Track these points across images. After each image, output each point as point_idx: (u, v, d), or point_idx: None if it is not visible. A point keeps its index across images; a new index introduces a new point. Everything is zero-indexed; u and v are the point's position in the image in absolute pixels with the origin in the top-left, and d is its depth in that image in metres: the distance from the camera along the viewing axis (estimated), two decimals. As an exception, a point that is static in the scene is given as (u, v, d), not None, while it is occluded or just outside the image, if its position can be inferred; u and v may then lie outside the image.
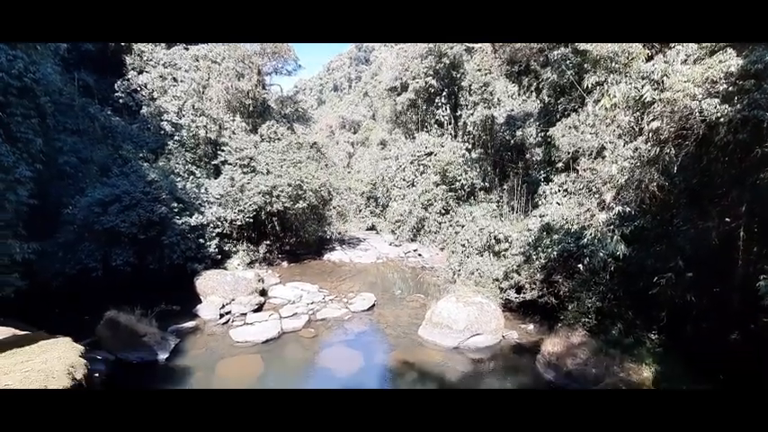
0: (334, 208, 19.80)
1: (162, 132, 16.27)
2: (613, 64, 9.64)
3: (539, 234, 10.51)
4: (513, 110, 18.56)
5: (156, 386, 7.67)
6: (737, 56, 6.13)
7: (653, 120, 7.11)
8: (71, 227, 11.87)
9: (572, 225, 9.42)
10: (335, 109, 43.74)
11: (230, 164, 15.96)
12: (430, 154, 20.83)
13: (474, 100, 19.85)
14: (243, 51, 18.08)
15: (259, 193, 15.09)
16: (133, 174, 13.33)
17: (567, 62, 10.76)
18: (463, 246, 13.80)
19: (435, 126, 22.83)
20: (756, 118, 5.78)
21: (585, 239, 8.32)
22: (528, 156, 16.24)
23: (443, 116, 22.09)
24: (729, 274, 7.16)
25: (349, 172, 29.37)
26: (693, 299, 7.24)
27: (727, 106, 5.98)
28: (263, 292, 12.39)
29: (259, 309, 11.50)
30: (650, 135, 7.39)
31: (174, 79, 17.15)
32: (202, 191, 14.43)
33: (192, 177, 15.12)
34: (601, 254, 8.10)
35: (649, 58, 8.93)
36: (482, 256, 12.63)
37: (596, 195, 9.05)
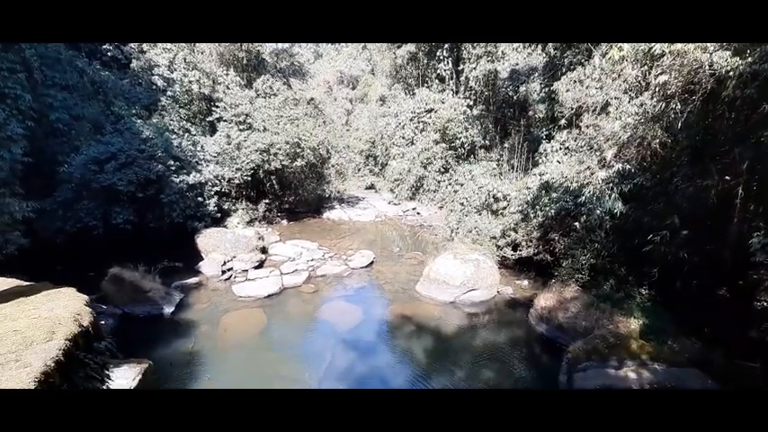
0: (332, 166, 19.62)
1: (154, 88, 15.77)
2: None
3: (537, 192, 10.50)
4: (517, 64, 17.85)
5: (163, 338, 7.99)
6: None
7: (661, 73, 6.87)
8: (69, 185, 11.82)
9: (571, 183, 9.39)
10: (333, 63, 42.02)
11: (226, 121, 15.62)
12: (430, 111, 20.31)
13: (477, 53, 19.03)
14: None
15: (256, 150, 14.88)
16: (127, 131, 13.07)
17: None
18: (462, 204, 13.84)
19: (436, 81, 22.06)
20: (767, 72, 5.59)
21: (584, 197, 8.34)
22: (530, 113, 15.87)
23: (445, 70, 21.28)
24: (724, 232, 7.24)
25: (347, 130, 28.77)
26: (686, 256, 7.36)
27: (738, 59, 5.76)
28: (264, 250, 12.59)
29: (260, 266, 11.73)
30: (657, 90, 7.19)
31: (163, 30, 16.31)
32: (198, 149, 14.21)
33: (187, 135, 14.84)
34: (598, 211, 8.14)
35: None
36: (480, 214, 12.70)
37: (597, 153, 8.94)
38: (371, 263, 12.34)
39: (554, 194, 9.90)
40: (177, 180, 12.56)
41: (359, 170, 25.81)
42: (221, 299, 9.77)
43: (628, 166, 8.08)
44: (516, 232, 11.14)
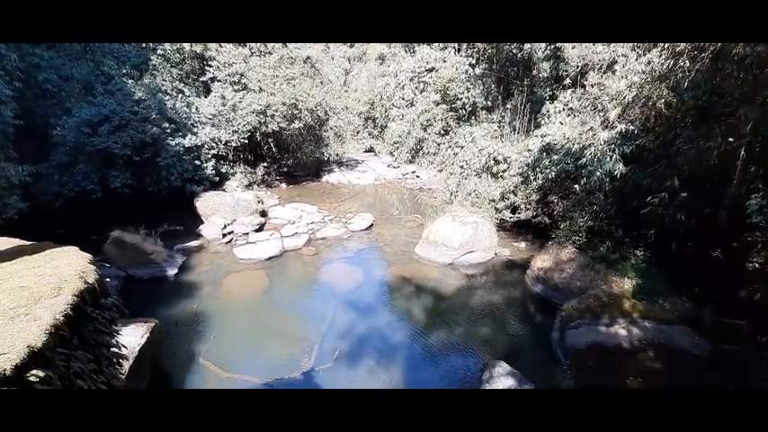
0: (331, 129, 19.26)
1: (143, 46, 15.15)
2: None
3: (538, 155, 10.40)
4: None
5: (168, 299, 8.20)
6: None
7: (671, 28, 6.59)
8: (63, 149, 11.64)
9: (573, 145, 9.27)
10: (330, 19, 40.06)
11: (220, 81, 15.14)
12: (431, 70, 19.64)
13: (480, 7, 18.07)
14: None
15: (252, 112, 14.54)
16: (118, 92, 12.70)
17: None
18: (461, 167, 13.74)
19: (437, 38, 21.15)
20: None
21: (585, 159, 8.27)
22: (534, 72, 15.35)
23: (446, 26, 20.34)
24: (722, 194, 7.26)
25: (346, 90, 27.96)
26: (683, 218, 7.42)
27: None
28: (264, 213, 12.63)
29: (260, 229, 11.82)
30: (665, 47, 6.93)
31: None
32: (193, 110, 13.87)
33: (180, 96, 14.43)
34: (598, 173, 8.11)
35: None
36: (480, 177, 12.64)
37: (601, 113, 8.77)
38: (371, 225, 12.43)
39: (555, 157, 9.81)
40: (173, 143, 12.36)
41: (358, 133, 25.36)
42: (223, 261, 9.93)
43: (631, 127, 7.95)
44: (515, 195, 11.14)
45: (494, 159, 12.12)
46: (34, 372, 1.79)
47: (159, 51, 15.04)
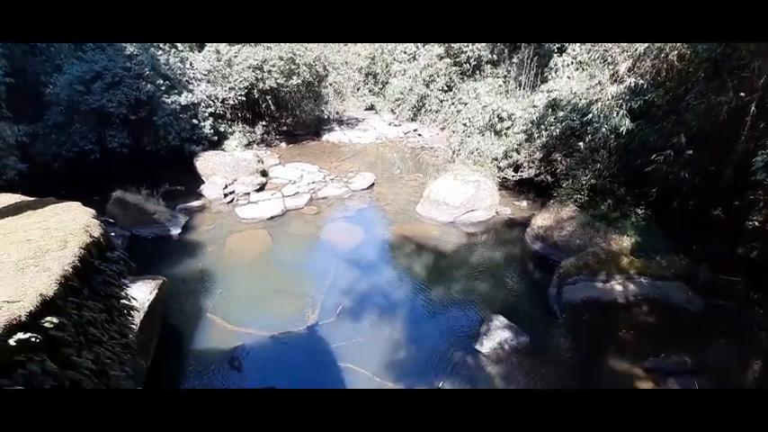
0: (330, 85, 18.67)
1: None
2: None
3: (544, 111, 10.14)
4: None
5: (173, 257, 8.36)
6: None
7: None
8: (57, 108, 11.39)
9: (580, 100, 9.02)
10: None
11: (213, 34, 14.48)
12: (434, 21, 18.70)
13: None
14: None
15: (249, 67, 14.06)
16: (109, 47, 12.18)
17: None
18: (464, 125, 13.45)
19: (441, -14, 19.97)
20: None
21: (591, 115, 8.08)
22: (543, 22, 14.61)
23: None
24: (729, 151, 7.15)
25: (345, 44, 26.81)
26: (687, 176, 7.36)
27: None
28: (264, 173, 12.57)
29: (261, 189, 11.81)
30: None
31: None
32: (188, 65, 13.40)
33: (174, 51, 13.86)
34: (604, 129, 7.95)
35: None
36: (483, 135, 12.41)
37: (610, 66, 8.45)
38: (372, 185, 12.40)
39: (561, 113, 9.57)
40: (169, 101, 12.06)
41: (358, 89, 24.60)
42: (225, 221, 10.02)
43: (641, 81, 7.69)
44: (519, 153, 11.00)
45: (498, 116, 11.84)
46: (48, 318, 1.87)
47: (148, 2, 14.29)
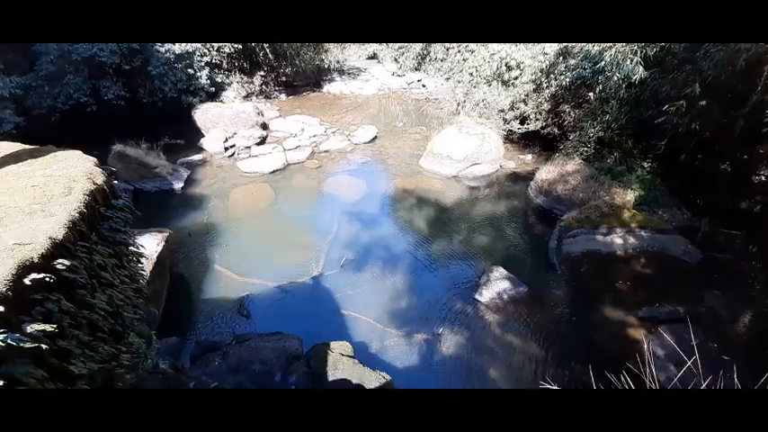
0: (330, 33, 17.77)
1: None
2: None
3: (555, 59, 9.69)
4: None
5: (177, 211, 8.43)
6: None
7: None
8: (48, 58, 10.98)
9: (592, 47, 8.58)
10: None
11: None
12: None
13: None
14: None
15: (244, 13, 13.31)
16: (95, -11, 11.53)
17: None
18: (471, 74, 12.91)
19: None
20: None
21: (603, 63, 7.72)
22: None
23: None
24: (742, 102, 6.89)
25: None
26: (697, 128, 7.16)
27: None
28: (265, 126, 12.33)
29: (262, 142, 11.64)
30: None
31: None
32: (180, 11, 12.71)
33: (164, -6, 13.12)
34: (615, 77, 7.62)
35: None
36: (490, 85, 11.96)
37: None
38: (375, 138, 12.18)
39: (572, 61, 9.15)
40: (162, 50, 11.59)
41: (359, 38, 23.45)
42: (227, 174, 9.98)
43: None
44: (526, 104, 10.67)
45: (506, 65, 11.33)
46: (60, 261, 1.92)
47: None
